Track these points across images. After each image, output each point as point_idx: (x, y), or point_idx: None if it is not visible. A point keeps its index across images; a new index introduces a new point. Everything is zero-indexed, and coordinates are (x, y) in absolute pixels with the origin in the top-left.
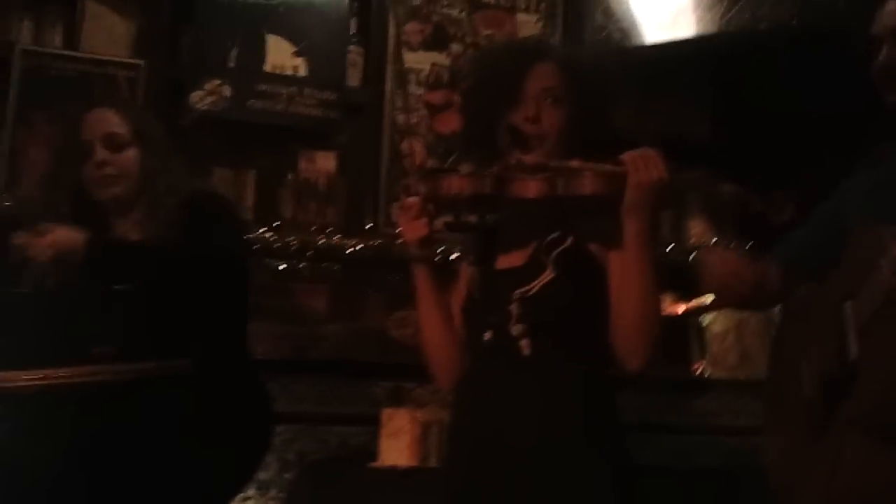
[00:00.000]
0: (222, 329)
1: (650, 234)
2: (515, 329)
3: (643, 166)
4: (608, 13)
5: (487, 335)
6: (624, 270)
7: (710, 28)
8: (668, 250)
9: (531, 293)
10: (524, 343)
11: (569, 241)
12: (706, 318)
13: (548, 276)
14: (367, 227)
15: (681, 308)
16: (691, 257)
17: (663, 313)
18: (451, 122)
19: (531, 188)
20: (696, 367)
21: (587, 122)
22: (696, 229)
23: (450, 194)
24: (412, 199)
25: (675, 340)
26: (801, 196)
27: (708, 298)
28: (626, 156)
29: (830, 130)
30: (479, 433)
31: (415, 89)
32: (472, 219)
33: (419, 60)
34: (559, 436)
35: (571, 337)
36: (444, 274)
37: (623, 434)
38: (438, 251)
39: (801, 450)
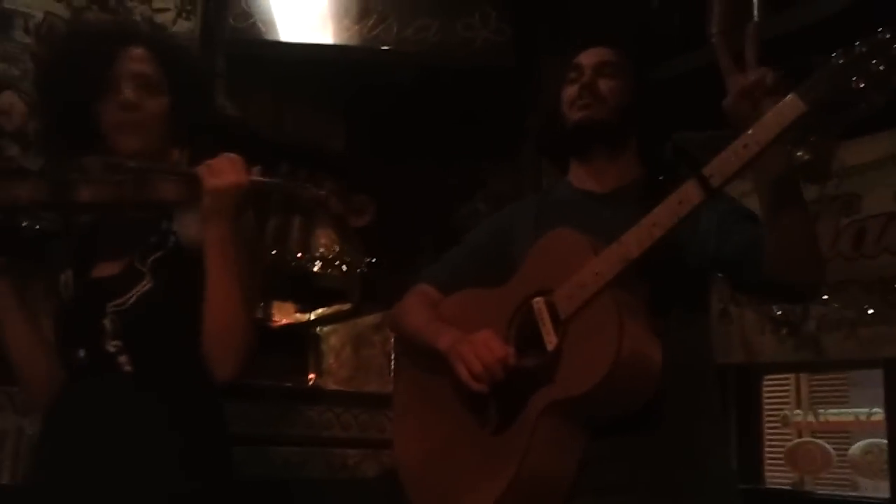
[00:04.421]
0: None
1: (231, 239)
2: (111, 346)
3: (218, 171)
4: (252, 3)
5: (81, 352)
6: (208, 277)
7: (353, 40)
8: (294, 259)
9: (126, 306)
10: (123, 359)
11: (170, 245)
12: (324, 330)
13: (144, 286)
14: None
15: (303, 317)
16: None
17: (286, 322)
18: None
19: (96, 193)
20: (310, 377)
21: (190, 111)
22: (324, 239)
23: (4, 205)
24: None
25: (292, 351)
26: (381, 201)
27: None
28: (206, 163)
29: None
30: (73, 454)
31: (22, 37)
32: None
33: (30, 4)
34: (153, 454)
35: (174, 349)
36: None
37: (228, 448)
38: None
39: (459, 449)
